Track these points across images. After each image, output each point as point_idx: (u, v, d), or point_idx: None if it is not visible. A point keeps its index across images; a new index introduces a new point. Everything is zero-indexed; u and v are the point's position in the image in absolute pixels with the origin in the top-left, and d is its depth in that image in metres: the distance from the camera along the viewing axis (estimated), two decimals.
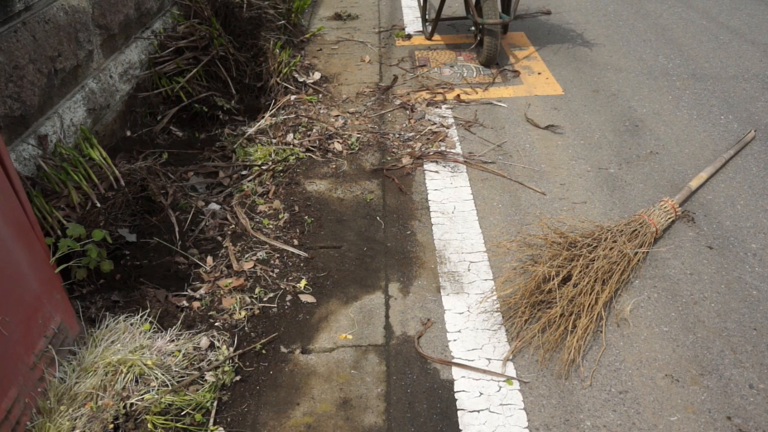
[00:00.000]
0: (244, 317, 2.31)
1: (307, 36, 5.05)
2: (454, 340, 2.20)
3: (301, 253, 2.64)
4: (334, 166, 3.29)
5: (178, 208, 2.87)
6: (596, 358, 2.13)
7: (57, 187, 2.53)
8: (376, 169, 3.25)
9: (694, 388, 2.01)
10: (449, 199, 3.00)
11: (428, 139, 3.51)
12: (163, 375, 1.96)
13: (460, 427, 1.89)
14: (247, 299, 2.39)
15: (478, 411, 1.94)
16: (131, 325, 2.15)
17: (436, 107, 3.89)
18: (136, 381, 1.95)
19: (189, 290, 2.43)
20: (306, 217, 2.87)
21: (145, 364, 1.96)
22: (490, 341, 2.20)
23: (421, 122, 3.70)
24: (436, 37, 5.10)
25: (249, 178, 3.14)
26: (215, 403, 1.97)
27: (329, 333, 2.25)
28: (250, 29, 4.00)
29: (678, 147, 3.38)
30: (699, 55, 4.55)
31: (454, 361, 2.12)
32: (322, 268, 2.57)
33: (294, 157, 3.33)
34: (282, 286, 2.47)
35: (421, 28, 5.27)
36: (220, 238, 2.73)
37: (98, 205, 2.57)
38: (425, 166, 3.27)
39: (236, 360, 2.13)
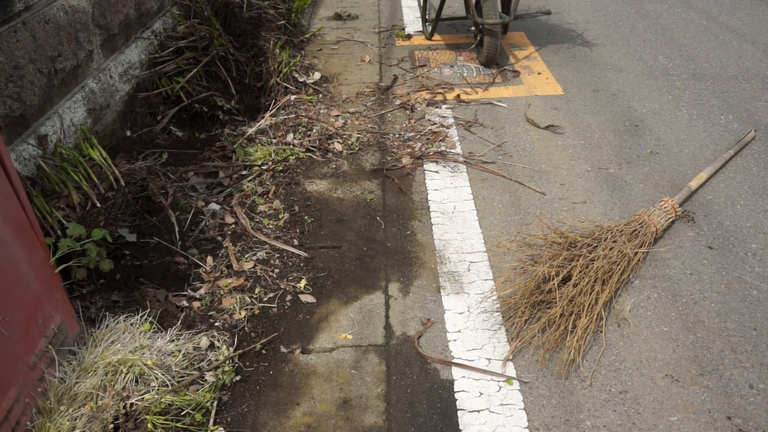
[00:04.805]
0: (244, 317, 2.31)
1: (307, 36, 5.05)
2: (454, 340, 2.20)
3: (301, 253, 2.64)
4: (334, 166, 3.29)
5: (178, 208, 2.87)
6: (596, 358, 2.13)
7: (57, 187, 2.53)
8: (376, 169, 3.25)
9: (694, 388, 2.01)
10: (449, 199, 3.00)
11: (428, 139, 3.51)
12: (163, 375, 1.96)
13: (460, 427, 1.89)
14: (247, 299, 2.39)
15: (478, 411, 1.94)
16: (131, 325, 2.15)
17: (436, 107, 3.89)
18: (136, 381, 1.95)
19: (189, 290, 2.43)
20: (306, 217, 2.87)
21: (145, 364, 1.96)
22: (490, 341, 2.20)
23: (421, 122, 3.70)
24: (436, 37, 5.10)
25: (249, 178, 3.14)
26: (215, 403, 1.97)
27: (329, 333, 2.25)
28: (250, 29, 4.00)
29: (678, 147, 3.38)
30: (699, 55, 4.54)
31: (454, 361, 2.12)
32: (322, 268, 2.57)
33: (294, 157, 3.33)
34: (282, 286, 2.47)
35: (421, 28, 5.27)
36: (220, 238, 2.73)
37: (98, 205, 2.57)
38: (425, 166, 3.27)
39: (236, 360, 2.13)
